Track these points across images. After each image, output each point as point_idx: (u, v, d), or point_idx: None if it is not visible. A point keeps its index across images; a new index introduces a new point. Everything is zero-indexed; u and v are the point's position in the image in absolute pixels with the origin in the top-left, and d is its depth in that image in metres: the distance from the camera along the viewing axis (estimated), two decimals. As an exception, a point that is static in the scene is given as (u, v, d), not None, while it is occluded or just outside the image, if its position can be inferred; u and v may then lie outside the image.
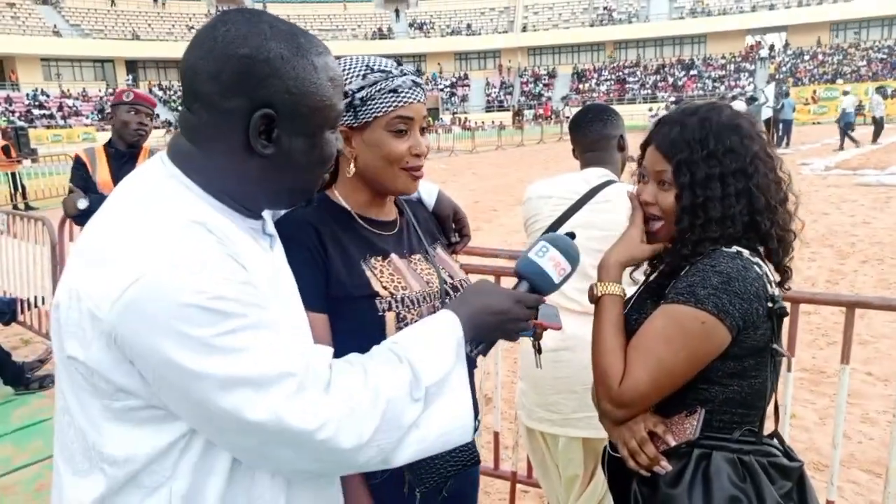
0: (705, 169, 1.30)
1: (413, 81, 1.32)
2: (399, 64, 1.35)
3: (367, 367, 1.00)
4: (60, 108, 41.66)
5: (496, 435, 2.94)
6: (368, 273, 1.31)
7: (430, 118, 40.19)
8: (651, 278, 1.46)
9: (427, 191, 1.59)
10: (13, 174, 14.56)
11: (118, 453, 0.94)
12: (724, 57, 50.79)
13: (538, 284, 1.19)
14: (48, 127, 38.30)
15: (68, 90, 43.57)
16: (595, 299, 1.38)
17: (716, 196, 1.30)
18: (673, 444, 1.29)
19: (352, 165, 1.33)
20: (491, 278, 2.47)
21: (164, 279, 0.85)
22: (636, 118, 27.61)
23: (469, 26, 56.10)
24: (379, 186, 1.35)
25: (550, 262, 1.19)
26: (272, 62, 0.96)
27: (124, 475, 0.94)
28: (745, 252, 1.31)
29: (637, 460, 1.30)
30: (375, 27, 55.84)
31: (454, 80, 54.32)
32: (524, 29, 55.44)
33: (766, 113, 21.28)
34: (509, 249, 2.54)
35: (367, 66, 1.33)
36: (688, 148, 1.32)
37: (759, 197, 1.31)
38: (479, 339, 1.15)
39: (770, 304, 1.28)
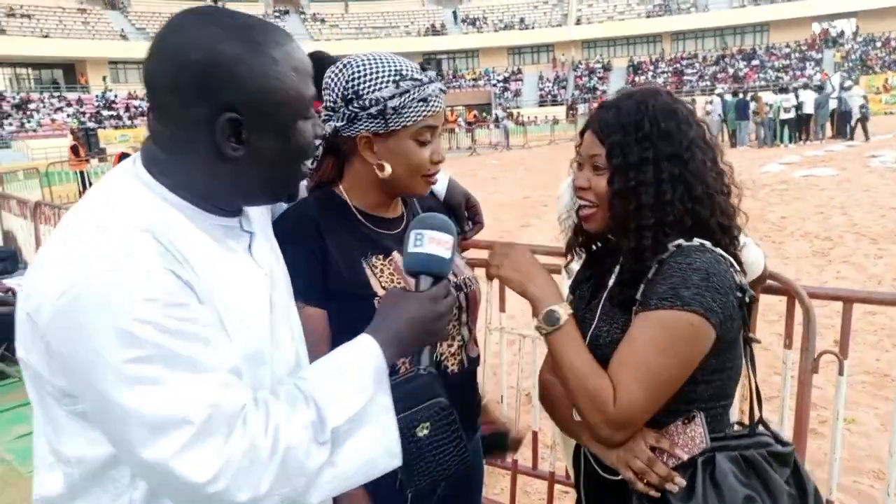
0: (638, 152, 1.25)
1: (439, 90, 1.31)
2: (423, 68, 1.34)
3: (269, 410, 0.93)
4: (127, 109, 43.35)
5: (535, 434, 2.89)
6: (368, 272, 1.30)
7: (483, 113, 40.06)
8: (610, 284, 1.36)
9: (438, 180, 1.57)
10: (82, 173, 15.25)
11: (71, 454, 0.94)
12: (788, 46, 48.81)
13: (436, 271, 1.14)
14: (116, 127, 39.91)
15: (135, 91, 45.26)
16: (565, 321, 1.26)
17: (648, 180, 1.25)
18: (686, 457, 1.22)
19: (387, 169, 1.31)
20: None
21: (90, 294, 0.84)
22: (698, 109, 26.81)
23: (522, 20, 55.59)
24: (396, 191, 1.35)
25: (432, 243, 1.14)
26: (227, 65, 0.92)
27: (80, 476, 0.95)
28: (707, 243, 1.25)
29: (648, 481, 1.22)
30: (428, 23, 55.95)
31: (507, 75, 53.96)
32: (578, 22, 54.55)
33: (834, 103, 20.38)
34: (546, 245, 2.50)
35: (398, 72, 1.30)
36: (622, 130, 1.27)
37: (696, 185, 1.25)
38: (412, 352, 1.12)
39: (740, 294, 1.23)
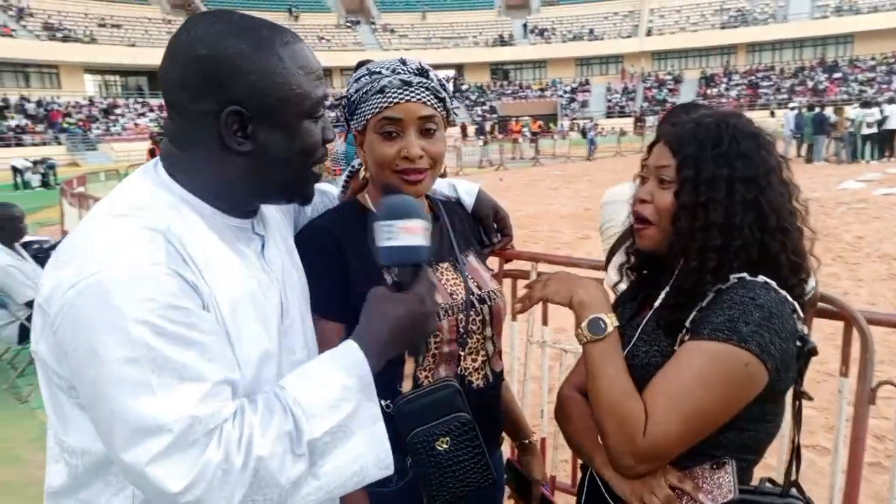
0: (713, 168, 1.18)
1: (402, 80, 1.25)
2: (403, 63, 1.29)
3: (244, 420, 0.91)
4: (204, 115, 45.22)
5: (543, 440, 2.82)
6: (389, 281, 1.27)
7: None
8: (657, 304, 1.28)
9: (467, 190, 1.54)
10: (158, 175, 15.99)
11: (76, 445, 0.96)
12: (873, 58, 46.49)
13: (415, 260, 1.07)
14: (193, 132, 41.66)
15: (211, 98, 47.13)
16: (608, 333, 1.19)
17: (719, 199, 1.16)
18: None
19: (362, 170, 1.33)
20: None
21: (94, 289, 0.86)
22: (771, 125, 25.87)
23: (591, 31, 55.03)
24: (386, 191, 1.33)
25: (403, 233, 1.06)
26: (232, 59, 0.95)
27: (84, 467, 0.96)
28: (772, 283, 1.15)
29: None
30: (497, 34, 56.10)
31: (574, 86, 53.47)
32: (649, 33, 53.57)
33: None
34: (589, 259, 2.44)
35: (367, 69, 1.30)
36: (697, 143, 1.20)
37: (770, 215, 1.17)
38: (401, 352, 1.09)
39: (800, 344, 1.13)
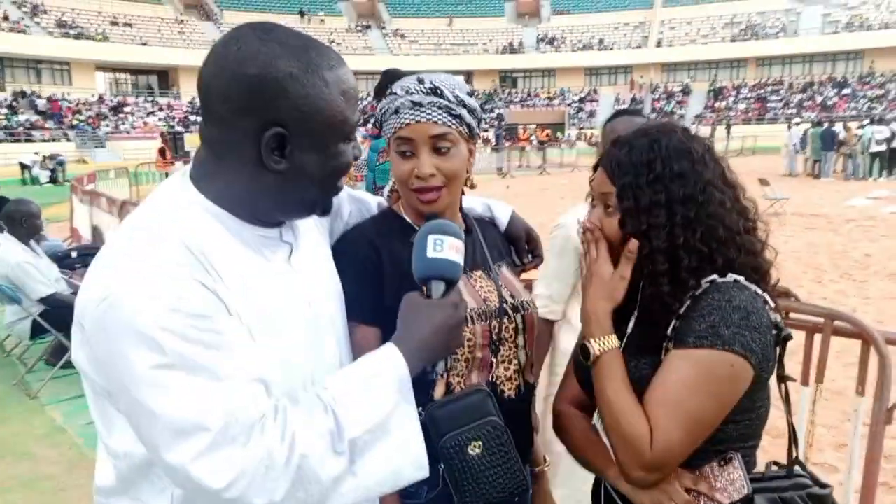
0: (650, 194, 1.20)
1: (412, 102, 1.29)
2: (421, 81, 1.32)
3: (287, 418, 0.95)
4: (213, 115, 45.38)
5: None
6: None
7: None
8: (631, 327, 1.30)
9: (500, 211, 1.57)
10: (167, 174, 16.06)
11: (119, 448, 1.00)
12: (883, 75, 46.42)
13: (453, 277, 1.13)
14: (201, 132, 41.84)
15: (222, 99, 47.31)
16: (594, 358, 1.23)
17: (660, 223, 1.19)
18: (726, 503, 1.15)
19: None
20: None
21: (123, 301, 0.89)
22: (778, 139, 25.80)
23: (601, 41, 55.11)
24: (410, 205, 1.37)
25: (451, 249, 1.13)
26: (281, 81, 0.96)
27: (128, 469, 1.00)
28: (741, 279, 1.19)
29: None
30: (506, 41, 56.23)
31: (583, 95, 53.51)
32: (658, 44, 53.62)
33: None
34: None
35: (390, 88, 1.34)
36: (633, 171, 1.22)
37: (716, 226, 1.20)
38: (437, 360, 1.12)
39: (776, 332, 1.18)
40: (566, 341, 2.23)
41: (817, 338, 2.19)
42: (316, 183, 1.06)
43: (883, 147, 18.84)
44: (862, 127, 20.30)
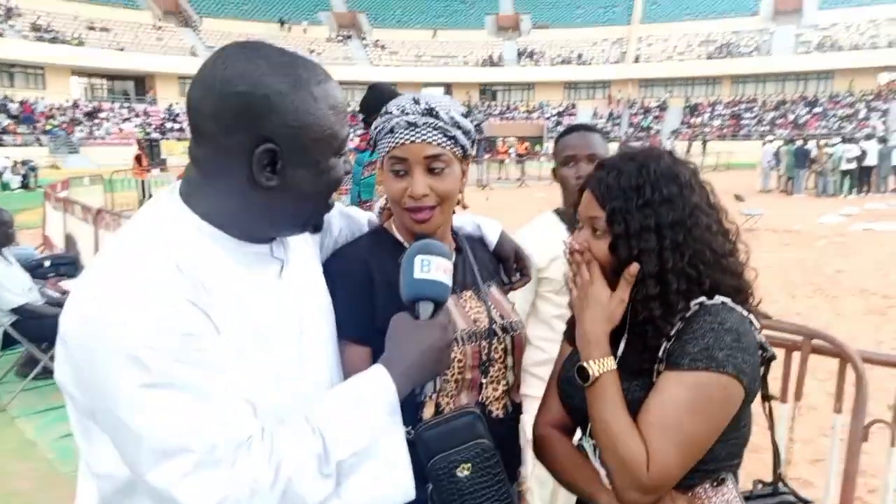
0: (640, 219, 1.22)
1: (408, 122, 1.30)
2: (416, 102, 1.32)
3: (274, 440, 0.95)
4: (190, 123, 44.97)
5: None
6: None
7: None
8: (622, 350, 1.31)
9: (490, 229, 1.57)
10: (143, 182, 15.84)
11: (100, 469, 0.98)
12: (852, 94, 47.64)
13: (441, 297, 1.14)
14: (179, 139, 41.44)
15: (199, 106, 46.89)
16: (593, 379, 1.23)
17: (650, 248, 1.21)
18: None
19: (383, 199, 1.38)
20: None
21: (109, 319, 0.88)
22: (754, 156, 26.28)
23: (580, 56, 55.78)
24: (404, 225, 1.37)
25: (439, 270, 1.13)
26: (270, 98, 0.97)
27: (111, 491, 0.98)
28: (729, 301, 1.22)
29: None
30: (486, 54, 56.64)
31: (561, 109, 54.05)
32: (636, 60, 54.44)
33: (897, 156, 19.76)
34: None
35: (385, 107, 1.35)
36: (623, 196, 1.24)
37: (704, 250, 1.23)
38: (425, 382, 1.13)
39: (761, 352, 1.22)
40: (527, 359, 2.23)
41: (795, 355, 2.23)
42: (308, 199, 1.06)
43: (853, 165, 19.31)
44: (833, 145, 20.79)
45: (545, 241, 2.09)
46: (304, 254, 1.22)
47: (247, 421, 0.94)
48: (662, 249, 1.22)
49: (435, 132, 1.30)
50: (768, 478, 1.38)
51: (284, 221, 1.08)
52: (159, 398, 0.88)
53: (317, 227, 1.14)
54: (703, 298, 1.23)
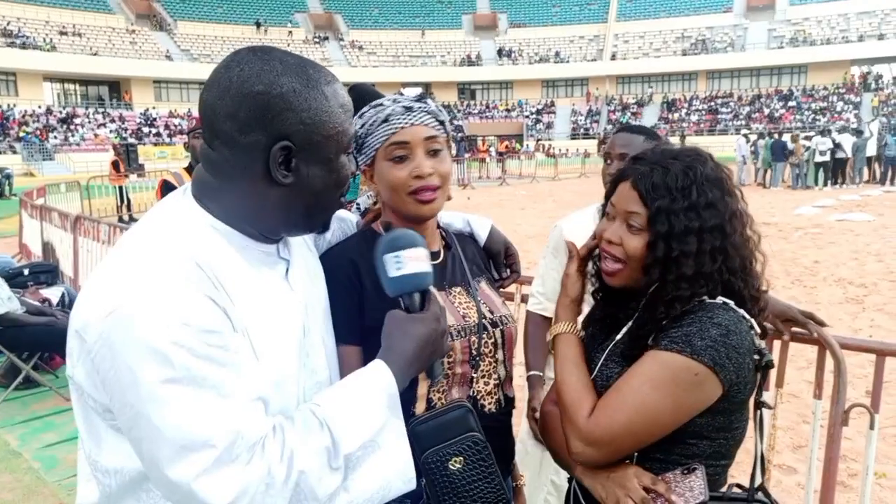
0: (685, 221, 1.22)
1: (404, 107, 1.34)
2: (401, 94, 1.38)
3: (285, 436, 0.97)
4: (167, 127, 44.53)
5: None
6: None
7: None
8: (622, 335, 1.35)
9: (480, 225, 1.59)
10: (121, 188, 15.62)
11: (109, 464, 0.99)
12: (825, 88, 48.41)
13: (423, 286, 1.16)
14: (156, 144, 40.99)
15: (175, 110, 46.54)
16: (550, 338, 1.38)
17: (690, 251, 1.22)
18: None
19: (382, 195, 1.39)
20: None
21: (132, 315, 0.89)
22: (727, 149, 26.62)
23: (557, 54, 56.06)
24: (402, 217, 1.38)
25: (411, 262, 1.15)
26: (286, 96, 1.00)
27: (117, 486, 0.99)
28: (730, 303, 1.24)
29: None
30: (464, 54, 56.72)
31: (540, 107, 54.29)
32: (613, 57, 54.83)
33: (871, 149, 20.11)
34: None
35: (369, 105, 1.37)
36: (669, 195, 1.24)
37: (735, 257, 1.25)
38: (420, 372, 1.16)
39: (758, 357, 1.22)
40: None
41: (776, 344, 2.28)
42: (320, 195, 1.08)
43: (827, 157, 19.62)
44: (809, 138, 21.11)
45: (587, 230, 2.14)
46: (303, 254, 1.24)
47: (261, 418, 0.96)
48: (700, 253, 1.22)
49: (428, 115, 1.35)
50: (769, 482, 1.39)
51: (298, 219, 1.10)
52: (182, 394, 0.89)
53: (325, 225, 1.17)
54: (704, 297, 1.24)
